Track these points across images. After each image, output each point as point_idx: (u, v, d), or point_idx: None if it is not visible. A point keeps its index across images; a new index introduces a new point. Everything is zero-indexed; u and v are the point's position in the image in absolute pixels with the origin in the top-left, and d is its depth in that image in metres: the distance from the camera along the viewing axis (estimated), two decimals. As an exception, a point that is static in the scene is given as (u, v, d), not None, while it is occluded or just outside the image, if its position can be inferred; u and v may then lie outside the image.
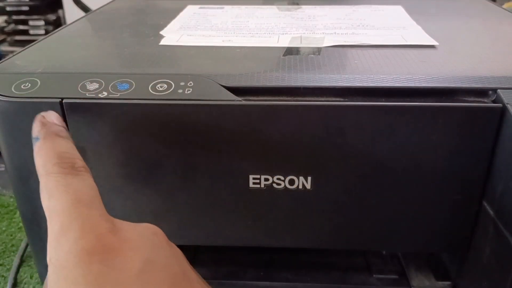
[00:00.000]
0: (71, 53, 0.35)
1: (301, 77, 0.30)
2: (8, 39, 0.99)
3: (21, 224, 0.51)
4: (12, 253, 0.47)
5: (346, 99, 0.29)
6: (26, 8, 0.96)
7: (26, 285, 0.43)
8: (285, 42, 0.37)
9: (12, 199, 0.56)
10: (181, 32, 0.40)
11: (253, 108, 0.28)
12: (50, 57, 0.34)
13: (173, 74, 0.30)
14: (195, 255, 0.38)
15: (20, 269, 0.45)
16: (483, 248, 0.31)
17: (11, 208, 0.54)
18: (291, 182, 0.30)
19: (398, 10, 0.47)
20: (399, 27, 0.41)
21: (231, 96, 0.29)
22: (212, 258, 0.37)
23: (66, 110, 0.29)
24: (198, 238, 0.33)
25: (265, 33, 0.40)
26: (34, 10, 0.96)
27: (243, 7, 0.50)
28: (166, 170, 0.30)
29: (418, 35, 0.38)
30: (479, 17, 0.45)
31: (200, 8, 0.49)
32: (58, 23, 0.99)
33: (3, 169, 0.60)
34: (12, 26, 0.98)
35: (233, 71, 0.31)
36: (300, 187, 0.30)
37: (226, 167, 0.30)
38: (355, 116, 0.28)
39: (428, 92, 0.29)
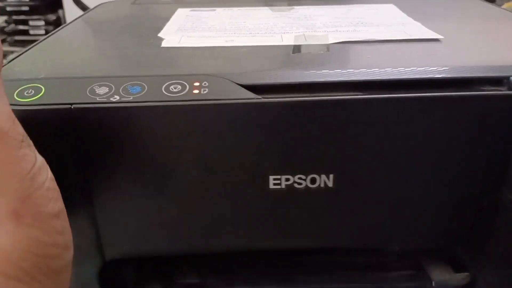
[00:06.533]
0: (72, 57, 0.34)
1: (317, 73, 0.29)
2: (8, 39, 0.99)
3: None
4: None
5: (365, 93, 0.29)
6: (26, 8, 0.97)
7: None
8: (289, 40, 0.37)
9: None
10: (179, 34, 0.39)
11: (274, 106, 0.28)
12: (51, 62, 0.33)
13: (185, 74, 0.29)
14: (208, 263, 0.36)
15: None
16: (501, 237, 0.31)
17: None
18: (313, 181, 0.30)
19: (392, 8, 0.47)
20: (398, 23, 0.41)
21: (249, 94, 0.28)
22: (225, 265, 0.36)
23: (77, 116, 0.27)
24: (216, 246, 0.32)
25: (266, 33, 0.39)
26: (34, 10, 0.97)
27: (235, 9, 0.49)
28: (184, 174, 0.29)
29: (420, 30, 0.38)
30: (474, 14, 0.46)
31: (192, 11, 0.48)
32: (58, 23, 0.99)
33: None
34: (12, 26, 0.99)
35: (246, 69, 0.30)
36: (322, 185, 0.30)
37: (246, 168, 0.29)
38: (375, 109, 0.28)
39: (446, 83, 0.29)
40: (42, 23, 0.99)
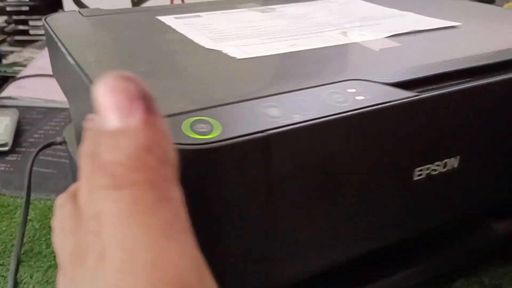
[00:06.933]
0: (180, 80, 0.29)
1: (440, 62, 0.32)
2: (8, 39, 1.00)
3: (21, 224, 0.48)
4: (12, 253, 0.45)
5: (483, 76, 0.32)
6: (26, 8, 0.97)
7: (26, 285, 0.42)
8: (343, 39, 0.37)
9: (12, 199, 0.53)
10: (222, 43, 0.36)
11: (427, 99, 0.29)
12: (169, 90, 0.27)
13: (331, 83, 0.28)
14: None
15: (20, 269, 0.43)
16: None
17: (11, 208, 0.52)
18: (445, 165, 0.32)
19: (361, 2, 0.51)
20: (398, 15, 0.45)
21: (404, 92, 0.28)
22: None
23: (271, 145, 0.24)
24: (364, 248, 0.32)
25: (306, 34, 0.39)
26: (34, 10, 0.98)
27: (217, 12, 0.46)
28: (353, 182, 0.28)
29: (430, 20, 0.43)
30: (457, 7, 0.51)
31: (177, 18, 0.44)
32: None
33: (3, 168, 0.59)
34: (12, 26, 1.00)
35: (376, 69, 0.30)
36: (450, 168, 0.32)
37: (397, 165, 0.30)
38: (496, 90, 0.32)
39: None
40: (42, 23, 0.89)
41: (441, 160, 0.31)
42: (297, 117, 0.25)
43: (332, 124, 0.26)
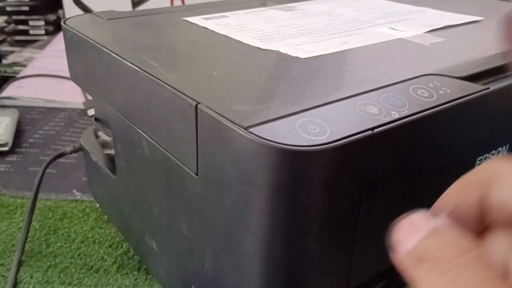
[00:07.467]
0: (263, 81, 0.29)
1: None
2: (8, 39, 1.01)
3: (21, 224, 0.49)
4: (12, 253, 0.45)
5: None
6: (26, 8, 0.98)
7: (26, 285, 0.42)
8: (388, 35, 0.38)
9: (12, 199, 0.53)
10: (277, 43, 0.36)
11: (498, 91, 0.30)
12: (259, 96, 0.27)
13: (413, 78, 0.29)
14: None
15: (20, 269, 0.43)
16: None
17: (11, 208, 0.52)
18: (498, 153, 0.34)
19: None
20: (417, 11, 0.47)
21: (475, 86, 0.30)
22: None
23: (374, 143, 0.24)
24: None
25: (346, 32, 0.40)
26: (34, 10, 0.98)
27: (241, 12, 0.46)
28: (433, 174, 0.30)
29: (453, 15, 0.45)
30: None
31: (206, 19, 0.43)
32: (58, 23, 1.00)
33: (3, 168, 0.59)
34: (12, 26, 1.00)
35: (442, 64, 0.32)
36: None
37: (462, 156, 0.31)
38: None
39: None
40: (42, 23, 0.99)
41: (496, 149, 0.33)
42: (396, 114, 0.26)
43: (426, 119, 0.27)
